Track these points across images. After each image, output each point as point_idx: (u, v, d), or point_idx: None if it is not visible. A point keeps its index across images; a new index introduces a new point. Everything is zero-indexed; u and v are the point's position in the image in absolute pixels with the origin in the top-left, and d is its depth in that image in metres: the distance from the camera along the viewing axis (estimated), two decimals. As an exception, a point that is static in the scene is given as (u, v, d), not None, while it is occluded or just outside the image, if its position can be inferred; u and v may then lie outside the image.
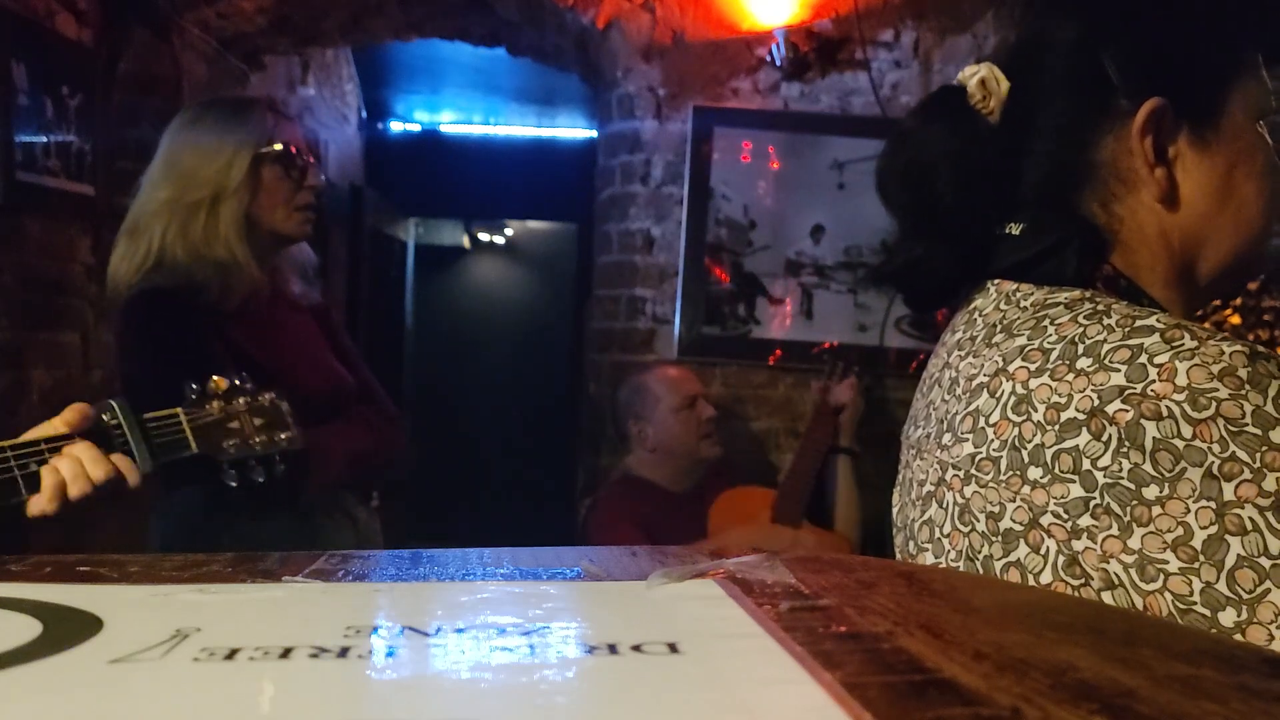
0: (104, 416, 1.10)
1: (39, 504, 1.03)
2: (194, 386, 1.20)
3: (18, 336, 2.48)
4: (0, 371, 2.43)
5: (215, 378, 1.22)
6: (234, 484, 1.21)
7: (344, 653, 0.33)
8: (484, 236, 6.87)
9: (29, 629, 0.36)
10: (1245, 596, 0.61)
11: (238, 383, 1.23)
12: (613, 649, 0.34)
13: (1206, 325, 0.70)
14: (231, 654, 0.33)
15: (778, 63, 2.97)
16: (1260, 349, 0.66)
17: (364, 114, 5.34)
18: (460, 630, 0.37)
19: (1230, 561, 0.61)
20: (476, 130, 5.84)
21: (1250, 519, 0.61)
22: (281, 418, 1.25)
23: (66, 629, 0.36)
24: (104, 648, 0.34)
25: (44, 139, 2.50)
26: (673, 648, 0.34)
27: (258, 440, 1.22)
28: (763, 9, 2.96)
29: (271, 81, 3.73)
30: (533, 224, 6.75)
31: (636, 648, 0.34)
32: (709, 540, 2.46)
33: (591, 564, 0.50)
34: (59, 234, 2.62)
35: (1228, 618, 0.61)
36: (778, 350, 3.04)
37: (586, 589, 0.46)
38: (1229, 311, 3.07)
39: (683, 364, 2.90)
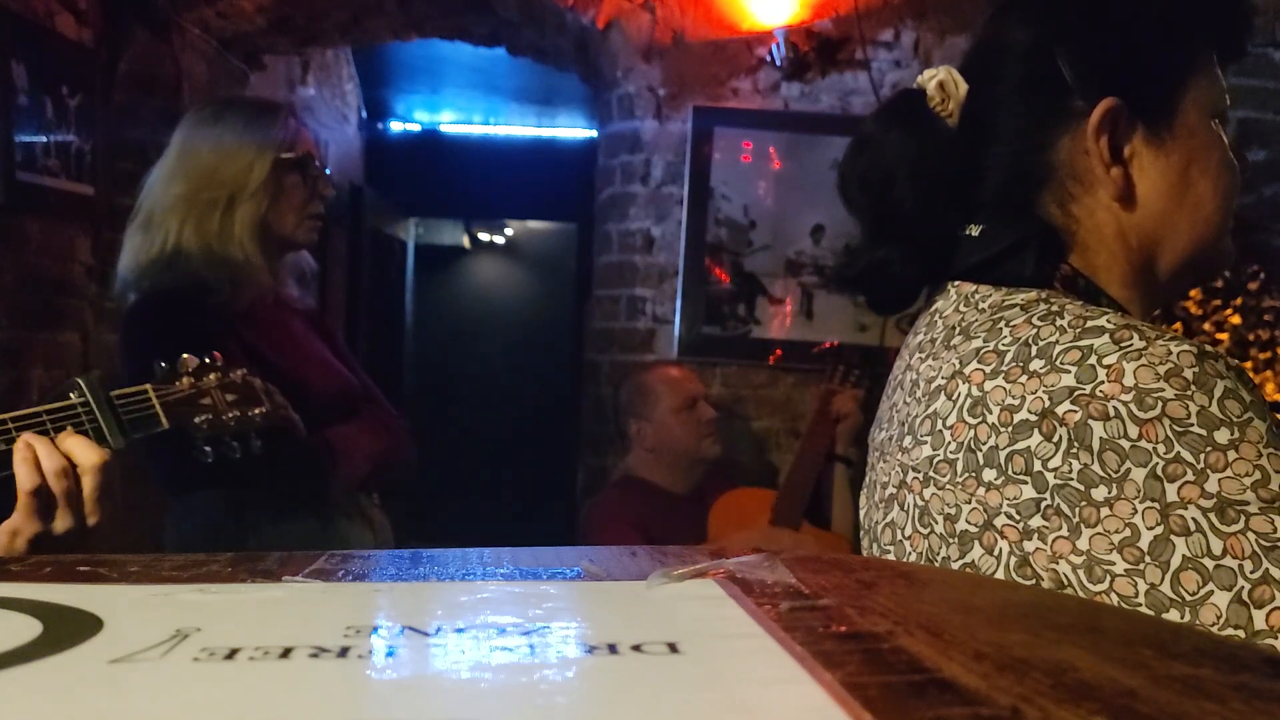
0: (71, 395, 1.08)
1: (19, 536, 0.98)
2: (162, 364, 1.19)
3: (18, 336, 2.48)
4: (0, 371, 2.43)
5: (184, 355, 1.20)
6: (209, 460, 1.20)
7: (344, 653, 0.33)
8: (484, 236, 6.87)
9: (29, 629, 0.36)
10: (1188, 599, 0.60)
11: (206, 360, 1.21)
12: (613, 649, 0.34)
13: (1163, 326, 0.70)
14: (231, 654, 0.33)
15: (778, 63, 2.97)
16: (1209, 349, 0.66)
17: (364, 114, 5.34)
18: (460, 630, 0.37)
19: (1175, 563, 0.61)
20: (476, 130, 5.85)
21: (1194, 520, 0.61)
22: (254, 393, 1.24)
23: (66, 629, 0.36)
24: (104, 648, 0.34)
25: (44, 139, 2.50)
26: (673, 648, 0.34)
27: (230, 415, 1.21)
28: (763, 9, 2.96)
29: (271, 81, 3.73)
30: (533, 224, 6.76)
31: (636, 648, 0.34)
32: (709, 542, 2.45)
33: (591, 564, 0.50)
34: (59, 234, 2.62)
35: (1171, 620, 0.61)
36: (778, 350, 3.04)
37: (586, 589, 0.46)
38: (1229, 311, 3.07)
39: (684, 364, 2.90)
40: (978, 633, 0.36)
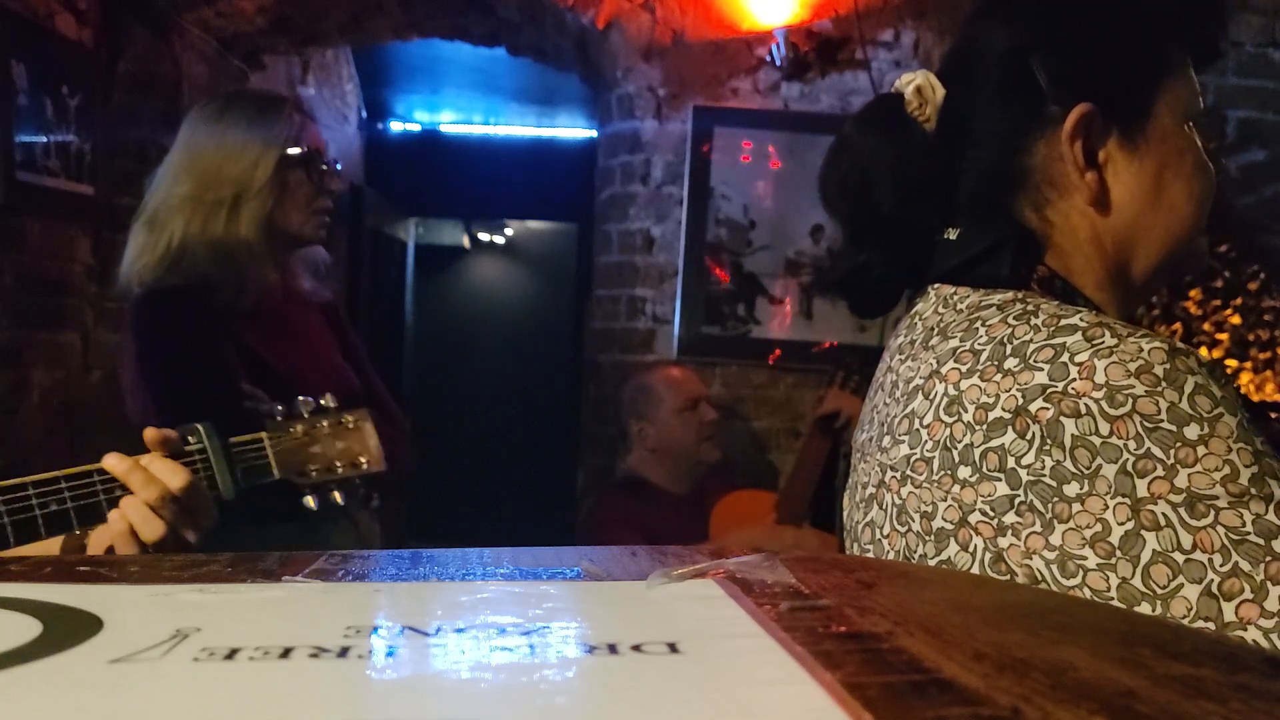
0: (190, 438, 1.07)
1: (119, 544, 0.98)
2: (280, 408, 1.17)
3: (18, 336, 2.48)
4: (0, 371, 2.43)
5: (301, 398, 1.19)
6: (314, 508, 1.19)
7: (344, 653, 0.33)
8: (484, 236, 6.87)
9: (29, 629, 0.36)
10: (1159, 592, 0.61)
11: (323, 403, 1.20)
12: (613, 649, 0.34)
13: (1159, 326, 0.70)
14: (231, 654, 0.33)
15: (778, 63, 2.97)
16: (1180, 345, 0.66)
17: (364, 114, 5.34)
18: (460, 630, 0.37)
19: (1146, 557, 0.62)
20: (476, 130, 5.85)
21: (1164, 515, 0.62)
22: (363, 440, 1.22)
23: (66, 629, 0.36)
24: (104, 648, 0.34)
25: (44, 139, 2.50)
26: (673, 648, 0.34)
27: (339, 465, 1.20)
28: (763, 9, 2.96)
29: (271, 81, 3.73)
30: (533, 224, 6.76)
31: (636, 648, 0.34)
32: (711, 542, 2.45)
33: (591, 564, 0.50)
34: (59, 234, 2.62)
35: (1143, 613, 0.61)
36: (778, 350, 3.04)
37: (586, 589, 0.46)
38: (1229, 311, 3.07)
39: (685, 365, 2.90)
40: (977, 633, 0.36)
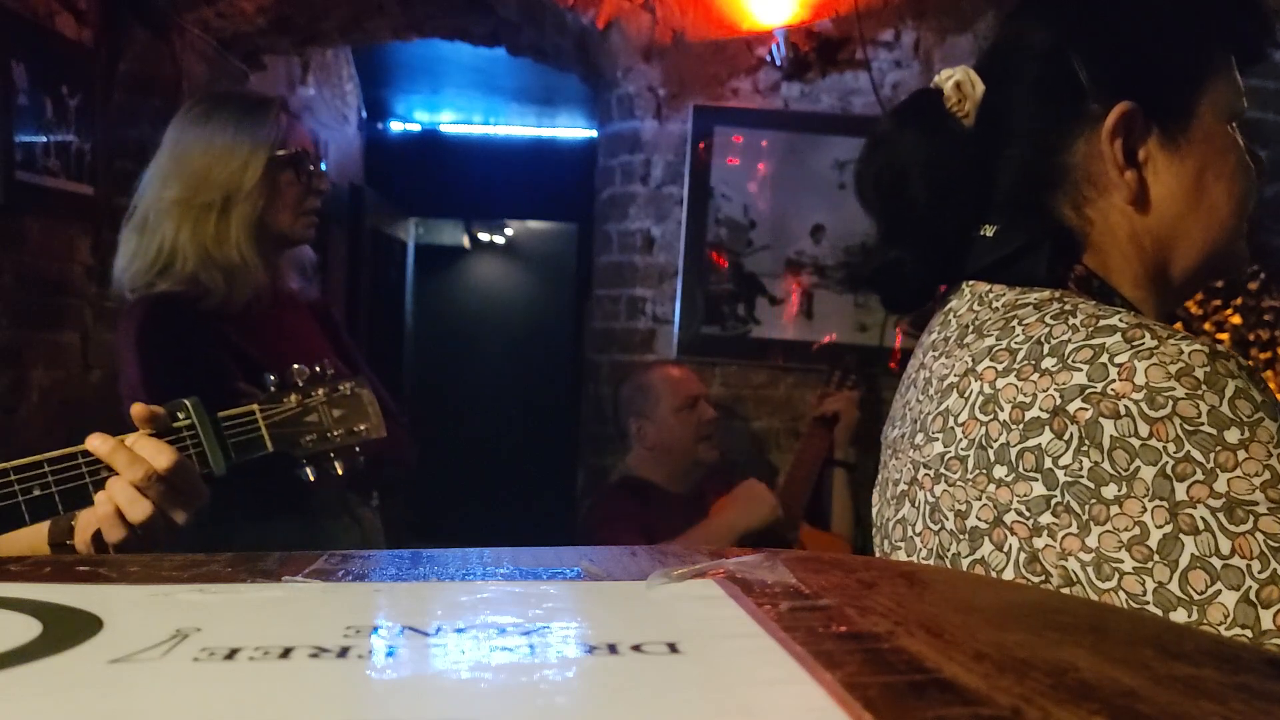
0: (178, 414, 1.04)
1: (110, 534, 0.95)
2: (272, 378, 1.14)
3: (17, 336, 2.48)
4: (0, 371, 2.43)
5: (296, 366, 1.15)
6: (311, 480, 1.16)
7: (344, 653, 0.33)
8: (484, 236, 6.88)
9: (29, 629, 0.36)
10: (1196, 598, 0.61)
11: (318, 370, 1.17)
12: (613, 649, 0.34)
13: (1177, 325, 0.70)
14: (231, 654, 0.33)
15: (778, 62, 2.97)
16: (1220, 349, 0.66)
17: (364, 114, 5.35)
18: (460, 630, 0.37)
19: (1184, 562, 0.61)
20: (476, 130, 5.85)
21: (1203, 519, 0.61)
22: (361, 407, 1.19)
23: (66, 629, 0.36)
24: (104, 648, 0.34)
25: (44, 139, 2.50)
26: (673, 648, 0.34)
27: (336, 434, 1.16)
28: (763, 9, 2.96)
29: (271, 81, 3.73)
30: (533, 224, 6.76)
31: (636, 648, 0.34)
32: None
33: (591, 564, 0.50)
34: (58, 234, 2.62)
35: (1178, 618, 0.61)
36: (778, 350, 3.04)
37: (586, 589, 0.46)
38: (1229, 311, 3.07)
39: (685, 364, 2.90)
40: (978, 633, 0.36)
